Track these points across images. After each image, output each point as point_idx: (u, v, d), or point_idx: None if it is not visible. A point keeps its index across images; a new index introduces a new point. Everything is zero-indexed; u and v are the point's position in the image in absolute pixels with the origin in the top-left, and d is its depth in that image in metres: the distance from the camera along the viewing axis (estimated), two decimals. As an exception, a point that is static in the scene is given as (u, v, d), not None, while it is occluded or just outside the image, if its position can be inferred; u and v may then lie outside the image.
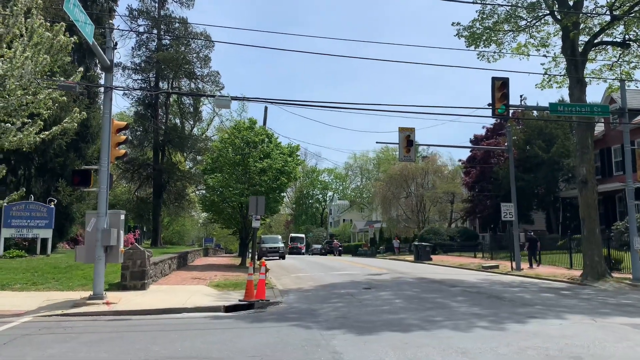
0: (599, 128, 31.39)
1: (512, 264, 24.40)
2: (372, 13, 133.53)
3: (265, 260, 25.65)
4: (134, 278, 14.90)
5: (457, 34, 22.09)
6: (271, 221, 61.44)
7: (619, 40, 20.94)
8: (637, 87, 33.10)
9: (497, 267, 25.63)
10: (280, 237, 48.54)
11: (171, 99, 40.60)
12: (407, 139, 21.91)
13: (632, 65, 21.47)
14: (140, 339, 8.65)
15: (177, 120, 42.11)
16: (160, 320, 10.82)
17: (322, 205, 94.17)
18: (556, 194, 36.54)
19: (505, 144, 31.84)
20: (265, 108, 30.32)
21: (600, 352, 7.34)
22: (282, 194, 29.30)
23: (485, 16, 21.47)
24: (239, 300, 12.96)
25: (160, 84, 39.25)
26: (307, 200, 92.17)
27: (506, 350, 7.52)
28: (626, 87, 20.70)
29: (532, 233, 28.19)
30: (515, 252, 24.33)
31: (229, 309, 12.18)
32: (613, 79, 21.51)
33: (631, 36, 20.59)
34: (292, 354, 7.63)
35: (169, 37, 39.22)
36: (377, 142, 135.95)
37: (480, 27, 21.67)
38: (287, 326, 9.80)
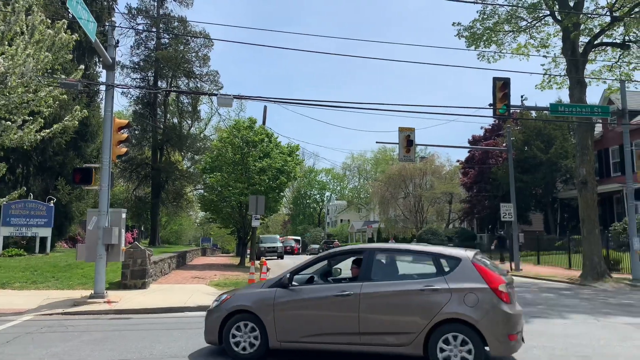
0: (597, 129, 31.48)
1: (511, 264, 24.46)
2: (370, 13, 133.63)
3: (265, 259, 25.63)
4: (134, 277, 14.85)
5: (457, 34, 22.12)
6: (269, 221, 61.37)
7: (618, 41, 21.00)
8: (637, 88, 33.23)
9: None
10: (278, 236, 48.49)
11: (169, 98, 40.46)
12: (407, 139, 21.91)
13: (631, 66, 21.53)
14: (143, 338, 8.61)
15: (176, 120, 41.95)
16: (162, 319, 10.78)
17: (319, 205, 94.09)
18: (554, 195, 36.62)
19: (504, 144, 31.92)
20: (265, 107, 30.28)
21: (607, 352, 7.36)
22: (281, 194, 29.26)
23: (485, 16, 21.51)
24: (241, 300, 12.90)
25: (159, 83, 39.12)
26: (305, 200, 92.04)
27: (512, 349, 7.50)
28: (625, 89, 20.75)
29: (502, 233, 29.41)
30: (514, 252, 24.40)
31: (230, 308, 12.11)
32: (613, 80, 21.56)
33: (631, 37, 20.65)
34: (302, 353, 7.60)
35: (168, 36, 39.10)
36: (377, 142, 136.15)
37: (480, 27, 21.71)
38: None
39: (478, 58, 22.67)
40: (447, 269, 6.59)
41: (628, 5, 19.66)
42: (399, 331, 6.42)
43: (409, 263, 7.24)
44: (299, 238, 66.08)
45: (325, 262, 7.82)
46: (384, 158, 77.74)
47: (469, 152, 43.59)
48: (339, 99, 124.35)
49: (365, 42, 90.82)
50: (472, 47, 22.09)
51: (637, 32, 20.44)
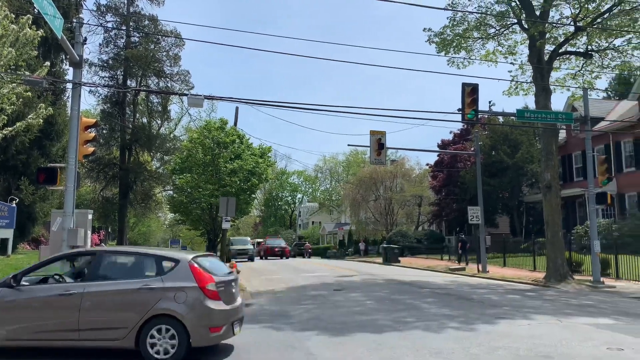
0: (562, 135, 32.42)
1: (478, 267, 24.89)
2: (346, 16, 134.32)
3: (235, 262, 25.43)
4: (100, 279, 14.50)
5: (428, 40, 22.44)
6: (239, 223, 60.90)
7: (582, 50, 21.68)
8: (598, 96, 34.43)
9: (463, 269, 26.12)
10: (249, 239, 48.13)
11: (139, 98, 39.70)
12: (379, 142, 22.08)
13: (593, 74, 22.29)
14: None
15: (145, 119, 41.15)
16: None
17: (291, 207, 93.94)
18: (520, 199, 37.49)
19: (472, 149, 32.54)
20: (237, 108, 30.01)
21: (568, 351, 7.58)
22: (252, 195, 29.14)
23: (455, 23, 21.88)
24: (210, 302, 12.78)
25: (129, 82, 38.32)
26: (276, 202, 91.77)
27: (478, 350, 7.68)
28: (588, 96, 21.42)
29: (463, 236, 30.79)
30: (481, 254, 24.83)
31: (199, 310, 11.99)
32: (576, 88, 22.25)
33: (593, 47, 21.35)
34: (267, 355, 7.59)
35: (138, 35, 38.39)
36: (348, 145, 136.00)
37: (450, 33, 22.06)
38: (260, 328, 9.75)
39: (448, 64, 23.06)
40: (166, 270, 7.37)
41: (591, 16, 20.34)
42: (114, 327, 7.07)
43: (135, 264, 7.80)
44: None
45: (67, 262, 8.65)
46: (356, 160, 78.12)
47: (438, 156, 44.24)
48: (314, 101, 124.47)
49: (340, 45, 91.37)
50: (443, 53, 22.44)
51: (599, 42, 21.14)
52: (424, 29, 22.34)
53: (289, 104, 34.05)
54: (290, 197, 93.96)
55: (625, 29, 19.68)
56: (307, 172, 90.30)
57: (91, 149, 13.47)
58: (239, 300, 7.99)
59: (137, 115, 40.60)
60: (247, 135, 28.72)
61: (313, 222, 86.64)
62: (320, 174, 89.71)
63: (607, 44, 21.12)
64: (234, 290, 7.89)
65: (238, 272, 15.63)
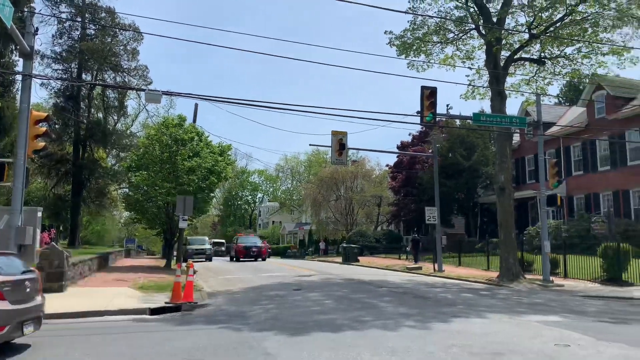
0: (515, 139, 33.51)
1: (434, 266, 25.38)
2: (309, 17, 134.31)
3: (192, 262, 25.00)
4: (50, 280, 13.97)
5: (389, 42, 22.70)
6: (197, 222, 59.87)
7: (535, 57, 22.48)
8: (550, 102, 35.77)
9: (420, 268, 26.57)
10: (207, 238, 47.42)
11: (94, 92, 38.49)
12: (340, 143, 22.16)
13: (546, 81, 23.16)
14: (58, 345, 8.13)
15: (101, 115, 39.94)
16: (80, 324, 10.25)
17: (251, 206, 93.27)
18: (475, 200, 38.52)
19: (430, 150, 33.20)
20: (196, 105, 29.39)
21: (519, 348, 7.82)
22: (211, 194, 28.69)
23: (416, 27, 22.24)
24: (165, 303, 12.55)
25: (84, 76, 37.07)
26: (236, 201, 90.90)
27: (433, 348, 7.81)
28: (540, 102, 22.24)
29: (416, 235, 31.70)
30: (438, 254, 25.34)
31: (154, 311, 11.76)
32: (530, 93, 23.06)
33: (546, 54, 22.18)
34: (224, 356, 7.49)
35: (94, 27, 37.18)
36: (310, 145, 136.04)
37: (411, 37, 22.40)
38: (217, 329, 9.62)
39: (408, 67, 23.39)
40: None
41: (544, 25, 21.13)
42: None
43: None
44: (223, 241, 62.65)
45: None
46: (317, 160, 78.32)
47: (397, 157, 44.93)
48: (278, 100, 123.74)
49: (307, 46, 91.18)
50: (403, 56, 22.75)
51: (551, 49, 21.98)
52: (385, 32, 22.61)
53: (250, 102, 33.67)
54: (250, 197, 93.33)
55: (576, 38, 20.55)
56: (268, 172, 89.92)
57: (42, 144, 12.95)
58: (36, 300, 7.99)
59: (93, 110, 39.36)
60: (207, 133, 28.27)
61: (273, 222, 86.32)
62: (282, 174, 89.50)
63: (558, 52, 21.98)
64: (28, 290, 7.83)
65: (195, 272, 15.35)
